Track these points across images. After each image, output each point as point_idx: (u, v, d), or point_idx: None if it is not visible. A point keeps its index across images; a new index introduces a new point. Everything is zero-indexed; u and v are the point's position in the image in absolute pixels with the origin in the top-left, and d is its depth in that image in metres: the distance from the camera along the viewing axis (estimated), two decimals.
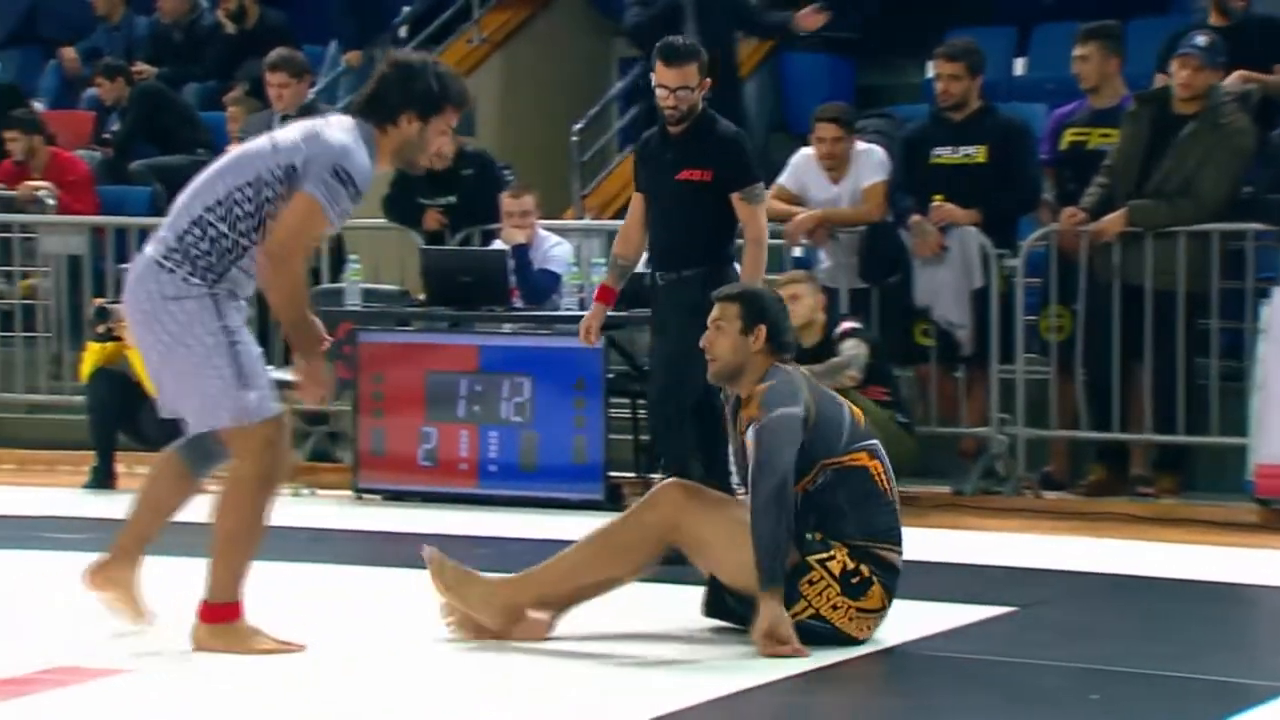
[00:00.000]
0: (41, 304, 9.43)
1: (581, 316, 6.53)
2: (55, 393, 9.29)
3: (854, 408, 4.72)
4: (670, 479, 4.85)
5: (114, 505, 7.62)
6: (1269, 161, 7.50)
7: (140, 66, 11.23)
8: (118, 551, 4.75)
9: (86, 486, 8.00)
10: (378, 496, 7.77)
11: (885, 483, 4.63)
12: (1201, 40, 7.50)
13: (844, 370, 7.21)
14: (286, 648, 4.50)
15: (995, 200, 7.72)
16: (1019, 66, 10.47)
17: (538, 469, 7.52)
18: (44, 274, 9.49)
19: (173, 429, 4.84)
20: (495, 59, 11.48)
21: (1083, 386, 7.68)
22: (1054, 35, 9.67)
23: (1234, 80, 7.71)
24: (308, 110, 8.72)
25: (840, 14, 9.25)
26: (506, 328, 7.97)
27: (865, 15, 10.54)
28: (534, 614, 4.64)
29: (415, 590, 4.84)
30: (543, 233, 8.23)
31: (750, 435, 4.54)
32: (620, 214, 10.55)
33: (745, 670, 4.33)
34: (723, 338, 4.69)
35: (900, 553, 4.67)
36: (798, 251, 8.33)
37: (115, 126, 11.00)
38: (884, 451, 4.70)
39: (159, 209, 8.94)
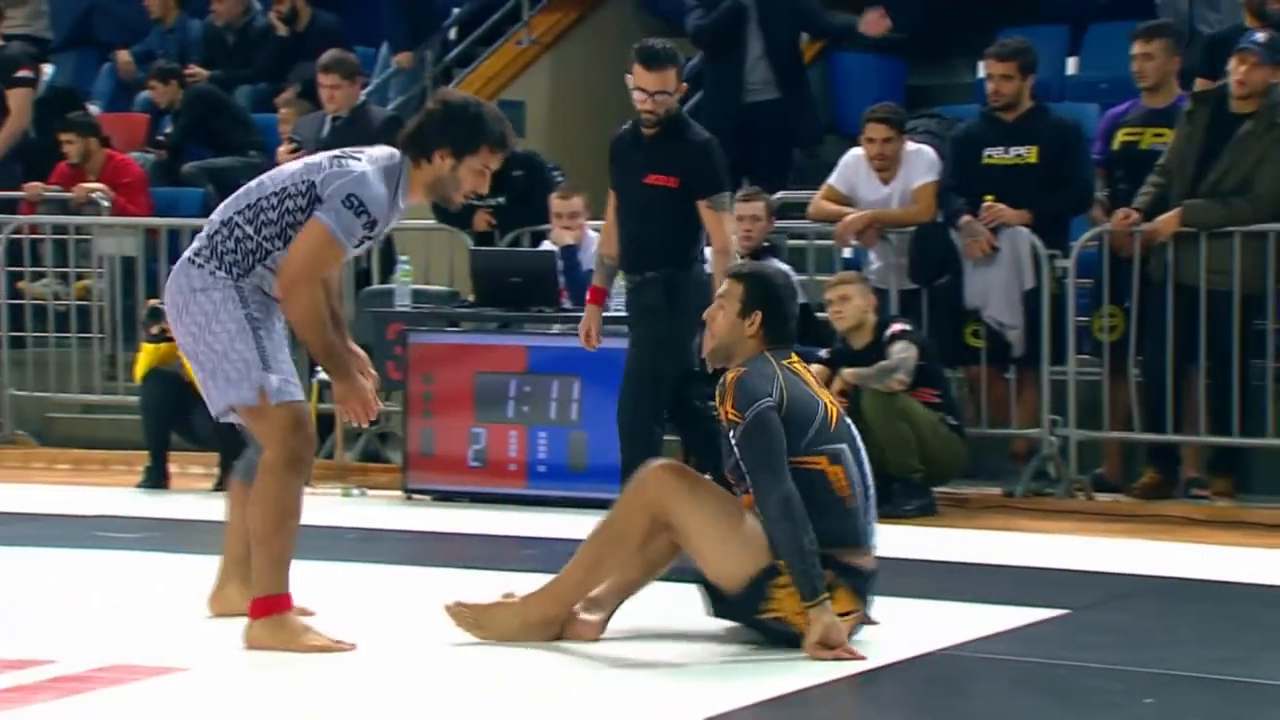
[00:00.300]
0: (96, 305, 9.51)
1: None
2: (109, 393, 9.37)
3: (831, 405, 4.58)
4: (661, 461, 4.71)
5: (167, 505, 7.74)
6: None
7: (193, 69, 11.31)
8: (224, 576, 4.87)
9: (140, 486, 8.07)
10: (427, 497, 7.80)
11: (844, 488, 4.49)
12: (1261, 37, 7.44)
13: (892, 374, 7.18)
14: (338, 646, 4.52)
15: (1046, 201, 7.68)
16: (1071, 66, 10.41)
17: (587, 469, 7.52)
18: (98, 275, 9.57)
19: (229, 431, 4.89)
20: (545, 60, 11.50)
21: (1136, 387, 7.63)
22: (1107, 35, 9.61)
23: None
24: (359, 112, 8.82)
25: (895, 14, 9.24)
26: (555, 328, 7.98)
27: (916, 16, 10.51)
28: (585, 616, 4.64)
29: (464, 590, 4.85)
30: (592, 234, 8.23)
31: (734, 443, 4.45)
32: None
33: (795, 671, 4.31)
34: (722, 315, 4.62)
35: (868, 552, 4.55)
36: (847, 252, 8.32)
37: (169, 129, 11.09)
38: (853, 454, 4.54)
39: (211, 210, 9.01)
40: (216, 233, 4.62)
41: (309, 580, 4.69)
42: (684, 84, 6.12)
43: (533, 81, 11.17)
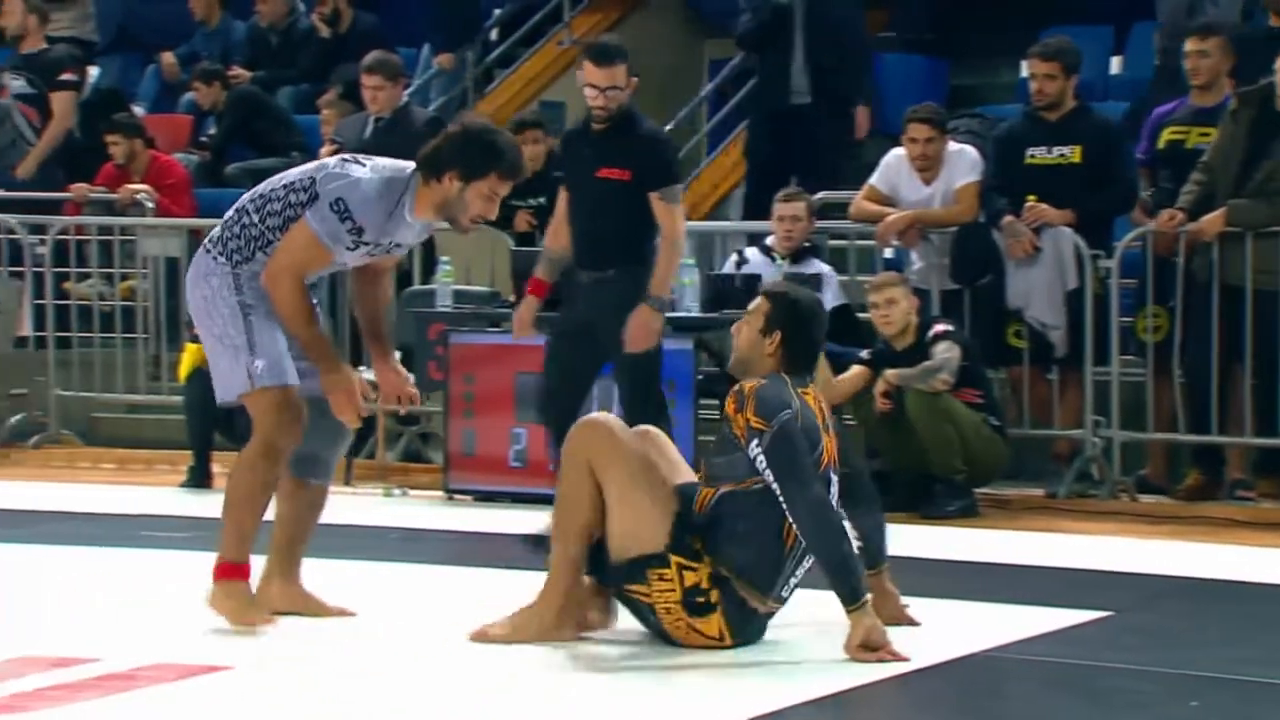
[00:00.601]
0: (140, 305, 9.57)
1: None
2: (154, 393, 9.43)
3: (830, 445, 4.52)
4: (589, 417, 4.71)
5: (210, 504, 7.74)
6: None
7: (236, 71, 11.38)
8: (278, 572, 4.93)
9: (184, 485, 8.12)
10: (469, 497, 7.82)
11: (790, 539, 4.43)
12: None
13: (936, 374, 7.16)
14: (258, 626, 4.64)
15: (1090, 201, 7.64)
16: (1115, 65, 10.35)
17: None
18: (143, 276, 9.63)
19: None
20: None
21: (1180, 388, 7.58)
22: (1151, 34, 9.55)
23: None
24: (401, 113, 8.85)
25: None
26: None
27: (952, 14, 10.49)
28: (593, 614, 4.63)
29: (505, 590, 4.86)
30: None
31: (758, 455, 4.40)
32: (710, 215, 10.61)
33: (840, 671, 4.30)
34: (746, 330, 4.64)
35: (767, 603, 4.49)
36: (889, 253, 8.30)
37: (212, 130, 11.16)
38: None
39: None
40: (228, 219, 4.77)
41: (351, 580, 4.72)
42: (634, 79, 6.16)
43: (574, 82, 11.06)
